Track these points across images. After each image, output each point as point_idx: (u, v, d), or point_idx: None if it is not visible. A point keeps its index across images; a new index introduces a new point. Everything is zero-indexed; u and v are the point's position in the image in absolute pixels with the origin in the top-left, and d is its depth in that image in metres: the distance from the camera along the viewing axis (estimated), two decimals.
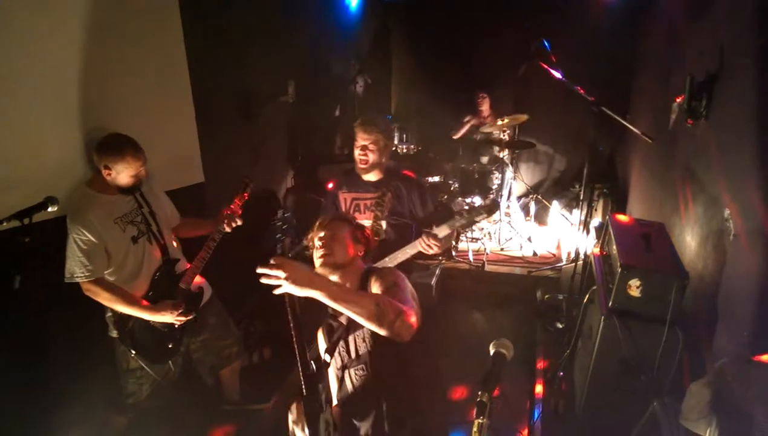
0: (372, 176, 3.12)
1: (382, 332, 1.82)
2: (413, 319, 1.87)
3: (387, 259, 2.94)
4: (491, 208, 2.91)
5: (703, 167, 3.06)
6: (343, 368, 2.17)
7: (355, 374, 2.14)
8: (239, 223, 2.89)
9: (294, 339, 1.91)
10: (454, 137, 6.67)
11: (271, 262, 1.73)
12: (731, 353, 2.33)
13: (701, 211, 3.01)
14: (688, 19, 3.79)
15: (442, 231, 2.82)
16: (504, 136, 5.97)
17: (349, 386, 2.16)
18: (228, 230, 2.87)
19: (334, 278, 2.09)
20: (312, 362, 1.96)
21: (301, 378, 1.91)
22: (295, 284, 1.72)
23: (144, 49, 3.12)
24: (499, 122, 5.76)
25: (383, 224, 3.08)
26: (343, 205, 3.17)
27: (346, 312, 1.80)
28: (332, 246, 2.12)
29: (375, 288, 2.06)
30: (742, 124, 2.51)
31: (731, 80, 2.76)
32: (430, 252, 2.87)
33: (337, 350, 2.14)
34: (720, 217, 2.65)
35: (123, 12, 2.94)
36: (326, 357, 2.06)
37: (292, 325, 1.91)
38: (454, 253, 5.51)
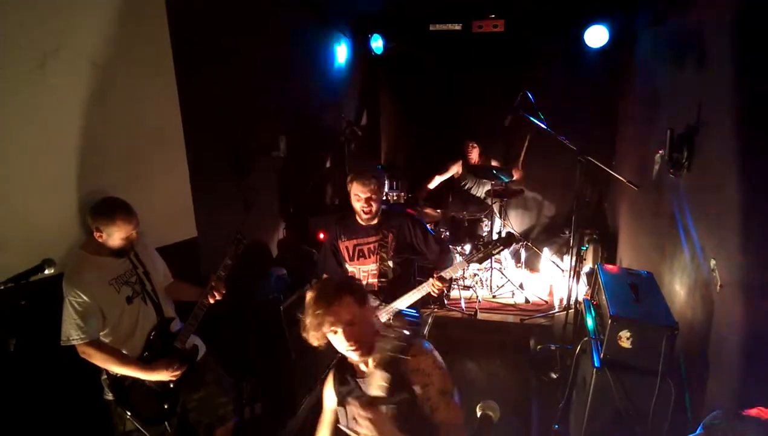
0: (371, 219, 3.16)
1: None
2: None
3: (396, 304, 3.02)
4: (508, 240, 3.02)
5: (688, 217, 3.12)
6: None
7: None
8: (222, 295, 2.89)
9: None
10: (429, 187, 6.66)
11: None
12: (722, 405, 2.33)
13: (688, 261, 3.05)
14: (668, 72, 3.93)
15: (450, 273, 2.95)
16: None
17: None
18: (212, 301, 2.89)
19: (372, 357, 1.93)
20: None
21: None
22: None
23: (139, 109, 3.17)
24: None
25: (390, 263, 3.13)
26: (346, 253, 3.20)
27: None
28: (356, 337, 1.87)
29: (416, 383, 1.90)
30: (722, 176, 2.58)
31: (710, 135, 2.85)
32: (436, 293, 2.99)
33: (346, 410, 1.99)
34: (706, 266, 2.69)
35: (118, 74, 3.00)
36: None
37: None
38: (446, 301, 5.51)
